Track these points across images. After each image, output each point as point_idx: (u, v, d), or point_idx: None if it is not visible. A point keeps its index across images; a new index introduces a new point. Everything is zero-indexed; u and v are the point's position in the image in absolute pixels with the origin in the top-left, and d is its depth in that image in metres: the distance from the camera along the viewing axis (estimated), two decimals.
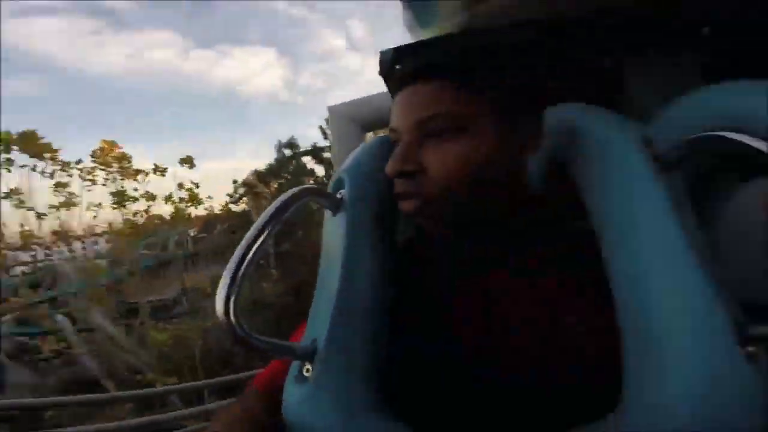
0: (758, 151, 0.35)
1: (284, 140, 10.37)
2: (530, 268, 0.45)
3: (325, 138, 9.34)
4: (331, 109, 2.94)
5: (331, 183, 0.55)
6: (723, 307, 0.33)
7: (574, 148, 0.44)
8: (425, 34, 1.18)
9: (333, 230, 0.51)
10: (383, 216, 0.54)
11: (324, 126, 9.39)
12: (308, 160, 10.25)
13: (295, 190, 0.46)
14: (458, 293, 0.47)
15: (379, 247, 0.51)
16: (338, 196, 0.52)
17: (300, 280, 7.21)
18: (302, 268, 7.24)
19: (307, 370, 0.43)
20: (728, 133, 0.38)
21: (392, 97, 0.53)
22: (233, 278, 0.38)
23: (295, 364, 0.45)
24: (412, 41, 1.31)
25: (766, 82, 0.40)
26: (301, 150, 10.30)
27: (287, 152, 10.39)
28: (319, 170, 10.09)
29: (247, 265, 0.40)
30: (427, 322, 0.47)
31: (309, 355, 0.44)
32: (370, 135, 2.87)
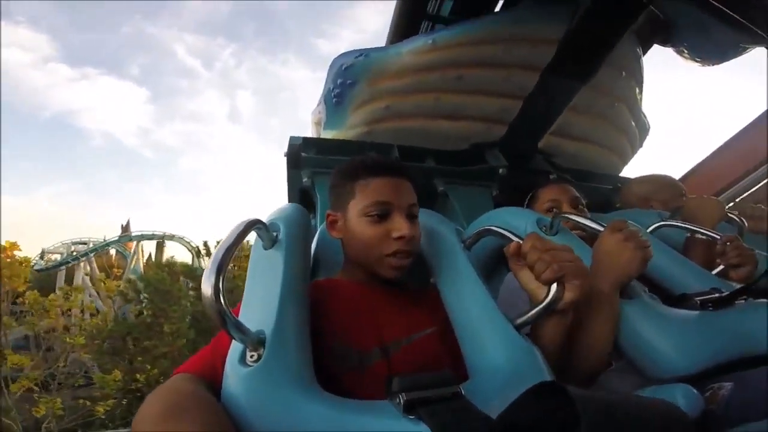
0: (509, 238, 0.73)
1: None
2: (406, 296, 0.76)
3: None
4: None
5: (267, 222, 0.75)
6: (504, 316, 0.65)
7: (427, 235, 0.82)
8: (325, 134, 1.54)
9: (266, 257, 0.69)
10: (307, 253, 0.78)
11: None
12: None
13: (252, 219, 0.67)
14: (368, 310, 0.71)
15: (305, 274, 0.71)
16: (274, 234, 0.72)
17: None
18: None
19: (252, 356, 0.52)
20: (491, 226, 0.78)
21: (350, 177, 0.75)
22: (218, 271, 0.51)
23: (237, 352, 0.53)
24: (314, 135, 1.65)
25: (524, 209, 0.90)
26: None
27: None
28: None
29: (226, 263, 0.54)
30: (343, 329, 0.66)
31: (259, 344, 0.53)
32: None
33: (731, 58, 1.49)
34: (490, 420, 0.40)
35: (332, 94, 1.45)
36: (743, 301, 0.78)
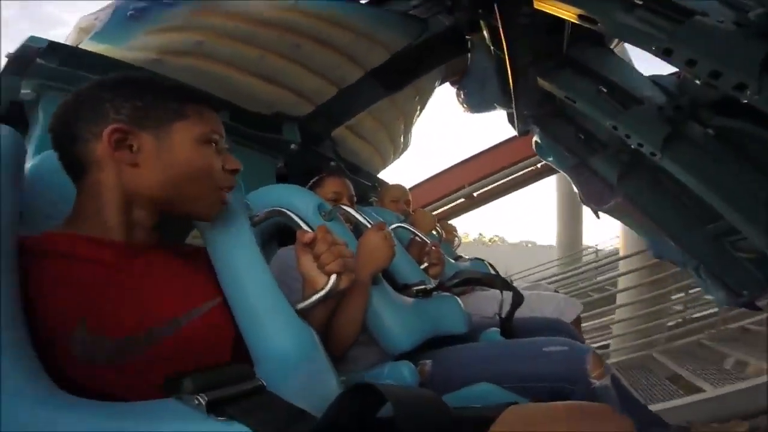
0: (296, 223, 0.77)
1: None
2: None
3: None
4: None
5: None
6: (287, 302, 0.65)
7: None
8: (89, 45, 1.12)
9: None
10: (13, 200, 0.51)
11: None
12: None
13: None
14: None
15: (11, 232, 0.47)
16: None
17: None
18: None
19: None
20: (282, 208, 0.81)
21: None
22: None
23: None
24: (71, 42, 1.18)
25: (308, 192, 0.95)
26: None
27: None
28: None
29: None
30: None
31: None
32: None
33: (483, 111, 2.06)
34: (309, 415, 0.42)
35: (132, 6, 1.07)
36: (436, 293, 1.15)
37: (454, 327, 1.07)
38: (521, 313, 1.26)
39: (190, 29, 1.16)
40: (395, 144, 2.10)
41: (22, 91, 1.09)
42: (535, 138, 2.08)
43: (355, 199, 1.31)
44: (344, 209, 1.04)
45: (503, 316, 1.22)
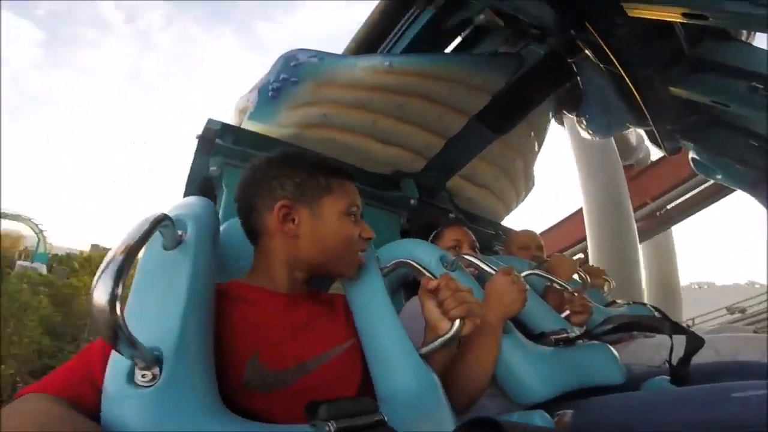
0: (421, 272, 0.80)
1: None
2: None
3: None
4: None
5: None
6: (411, 343, 0.68)
7: None
8: (248, 124, 1.45)
9: (166, 260, 0.60)
10: (215, 257, 0.70)
11: None
12: None
13: (159, 214, 0.56)
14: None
15: (212, 282, 0.63)
16: (179, 233, 0.63)
17: None
18: None
19: (144, 376, 0.46)
20: (407, 260, 0.85)
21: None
22: (117, 276, 0.43)
23: (121, 371, 0.47)
24: (234, 122, 1.55)
25: (430, 244, 1.00)
26: None
27: None
28: None
29: (127, 267, 0.45)
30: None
31: (154, 362, 0.47)
32: None
33: (614, 134, 1.87)
34: None
35: (270, 87, 1.37)
36: (582, 342, 1.00)
37: (605, 378, 0.92)
38: (702, 358, 0.99)
39: (316, 103, 1.38)
40: (516, 186, 2.02)
41: (210, 168, 1.33)
42: (691, 155, 1.75)
43: (477, 246, 1.29)
44: (467, 258, 1.04)
45: (674, 363, 0.98)
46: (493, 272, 0.91)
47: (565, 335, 0.99)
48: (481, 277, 1.04)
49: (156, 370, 0.46)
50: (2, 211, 17.62)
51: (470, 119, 1.53)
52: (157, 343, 0.49)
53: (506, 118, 1.57)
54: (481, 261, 1.01)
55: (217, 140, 1.35)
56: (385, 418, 0.49)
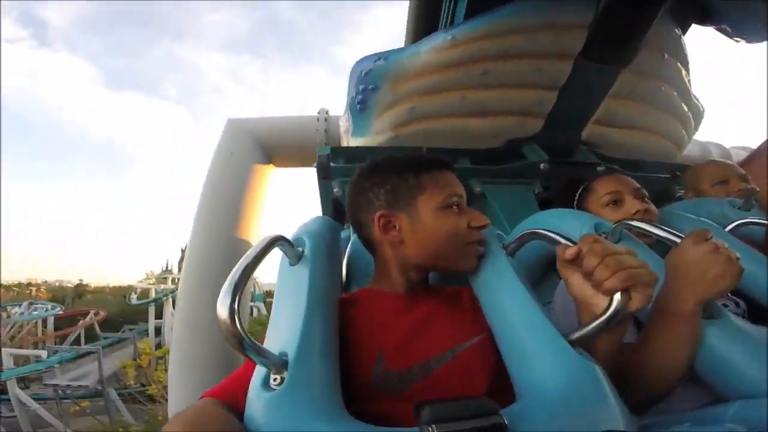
0: (557, 240, 0.64)
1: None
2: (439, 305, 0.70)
3: None
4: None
5: (291, 238, 0.73)
6: (556, 329, 0.56)
7: None
8: (353, 141, 1.52)
9: (291, 275, 0.67)
10: (335, 269, 0.76)
11: None
12: None
13: (274, 235, 0.63)
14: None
15: (332, 290, 0.68)
16: (300, 249, 0.70)
17: None
18: None
19: (275, 380, 0.50)
20: (535, 229, 0.70)
21: (406, 172, 0.72)
22: (234, 291, 0.48)
23: (260, 376, 0.51)
24: (344, 144, 1.64)
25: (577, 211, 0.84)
26: None
27: None
28: None
29: (243, 282, 0.51)
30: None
31: (282, 366, 0.51)
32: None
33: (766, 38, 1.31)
34: None
35: (356, 101, 1.41)
36: None
37: None
38: None
39: (399, 101, 1.34)
40: (678, 117, 1.55)
41: (334, 190, 1.40)
42: None
43: (645, 195, 1.00)
44: (632, 224, 0.76)
45: None
46: (677, 240, 0.65)
47: None
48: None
49: (285, 374, 0.50)
50: None
51: (576, 59, 1.25)
52: (285, 349, 0.53)
53: (618, 45, 1.20)
54: (655, 226, 0.71)
55: (331, 164, 1.45)
56: (505, 421, 0.42)
